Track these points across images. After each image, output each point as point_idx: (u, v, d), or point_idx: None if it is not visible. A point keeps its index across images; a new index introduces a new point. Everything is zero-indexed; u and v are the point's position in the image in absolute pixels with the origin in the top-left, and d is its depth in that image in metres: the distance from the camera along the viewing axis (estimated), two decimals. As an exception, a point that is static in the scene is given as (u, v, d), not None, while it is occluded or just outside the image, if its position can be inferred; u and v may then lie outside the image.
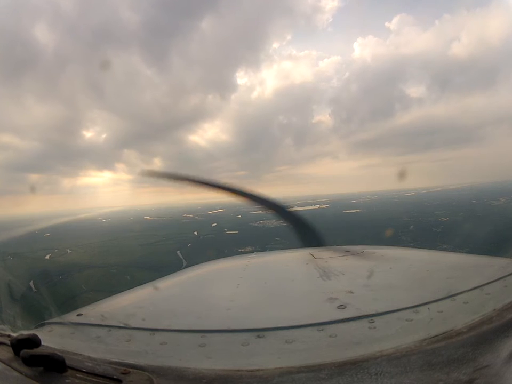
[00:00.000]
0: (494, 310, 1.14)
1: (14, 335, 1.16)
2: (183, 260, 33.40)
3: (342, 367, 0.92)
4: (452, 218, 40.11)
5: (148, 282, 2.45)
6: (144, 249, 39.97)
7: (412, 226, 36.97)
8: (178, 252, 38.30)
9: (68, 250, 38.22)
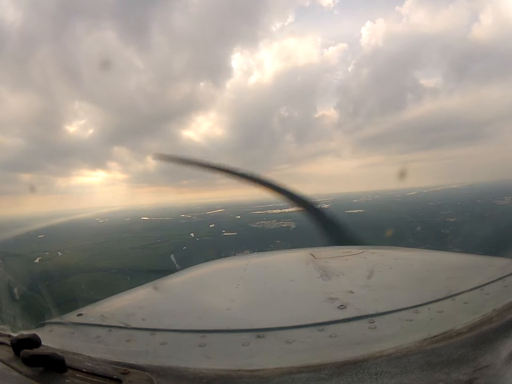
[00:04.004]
0: (494, 310, 1.14)
1: (14, 335, 1.16)
2: (176, 265, 31.65)
3: (342, 367, 0.92)
4: (459, 218, 38.94)
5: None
6: (136, 253, 38.33)
7: (419, 227, 36.05)
8: (172, 255, 36.69)
9: (59, 253, 36.85)
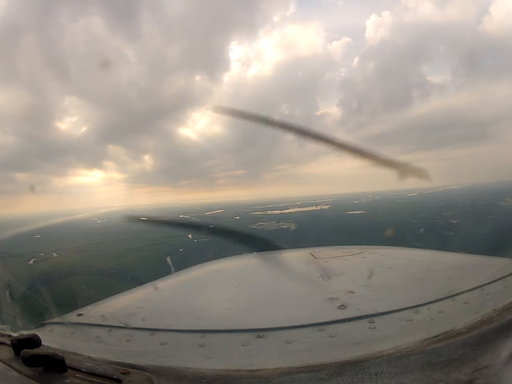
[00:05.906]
0: (494, 310, 1.14)
1: (15, 335, 1.16)
2: (172, 268, 30.67)
3: (342, 367, 0.92)
4: (463, 220, 37.78)
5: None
6: (131, 255, 37.15)
7: (422, 229, 35.56)
8: (168, 257, 35.56)
9: (54, 254, 35.90)
